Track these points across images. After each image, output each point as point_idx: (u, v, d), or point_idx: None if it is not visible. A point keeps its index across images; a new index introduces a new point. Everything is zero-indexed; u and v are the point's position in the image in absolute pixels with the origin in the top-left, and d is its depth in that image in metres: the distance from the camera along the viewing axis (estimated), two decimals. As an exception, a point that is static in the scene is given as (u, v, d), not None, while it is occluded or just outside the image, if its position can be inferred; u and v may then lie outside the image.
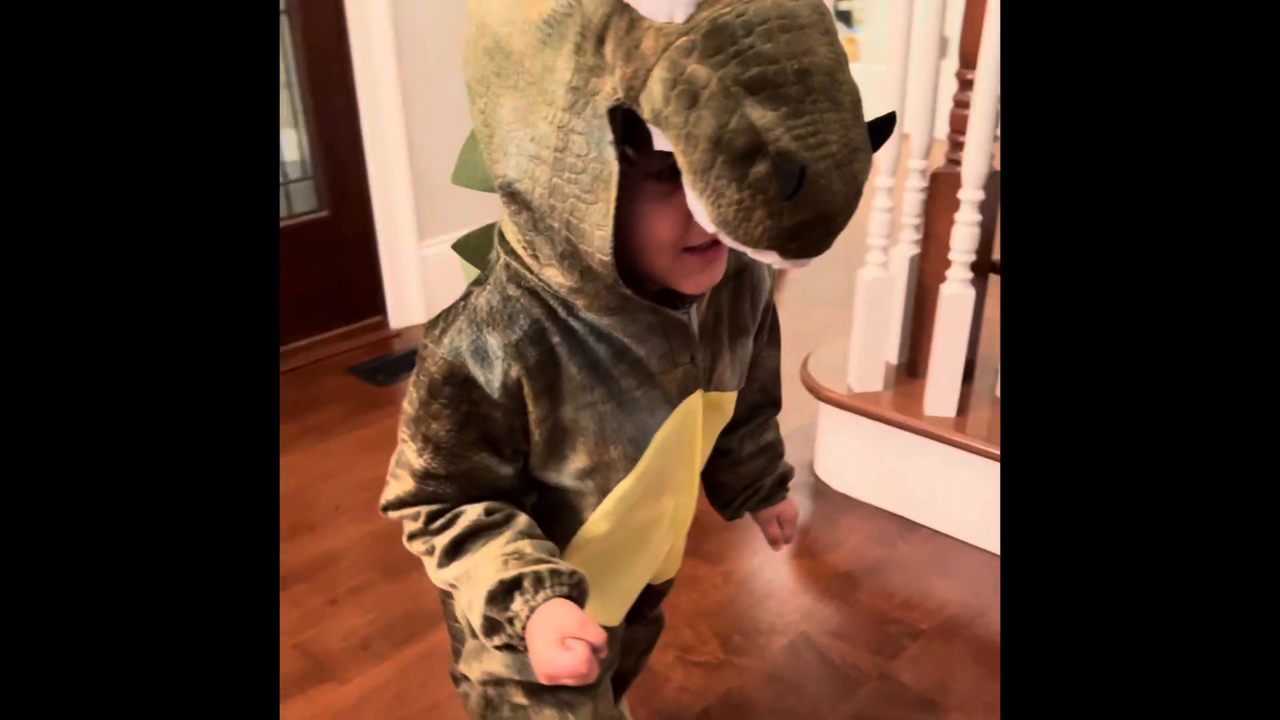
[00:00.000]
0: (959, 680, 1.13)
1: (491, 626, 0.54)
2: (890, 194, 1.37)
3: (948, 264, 1.32)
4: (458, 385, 0.53)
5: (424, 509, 0.57)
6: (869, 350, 1.43)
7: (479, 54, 0.48)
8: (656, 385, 0.56)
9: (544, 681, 0.52)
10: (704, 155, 0.41)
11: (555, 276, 0.51)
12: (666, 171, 0.45)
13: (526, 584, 0.53)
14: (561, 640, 0.51)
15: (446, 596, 0.69)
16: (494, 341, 0.53)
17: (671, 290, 0.53)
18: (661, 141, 0.43)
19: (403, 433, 0.57)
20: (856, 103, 0.43)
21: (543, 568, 0.54)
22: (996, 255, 1.41)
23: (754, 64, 0.40)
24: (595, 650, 0.50)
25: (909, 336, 1.48)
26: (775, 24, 0.40)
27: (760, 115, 0.40)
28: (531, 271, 0.53)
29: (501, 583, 0.53)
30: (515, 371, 0.53)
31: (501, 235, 0.55)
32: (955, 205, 1.29)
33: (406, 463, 0.57)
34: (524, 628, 0.53)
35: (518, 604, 0.53)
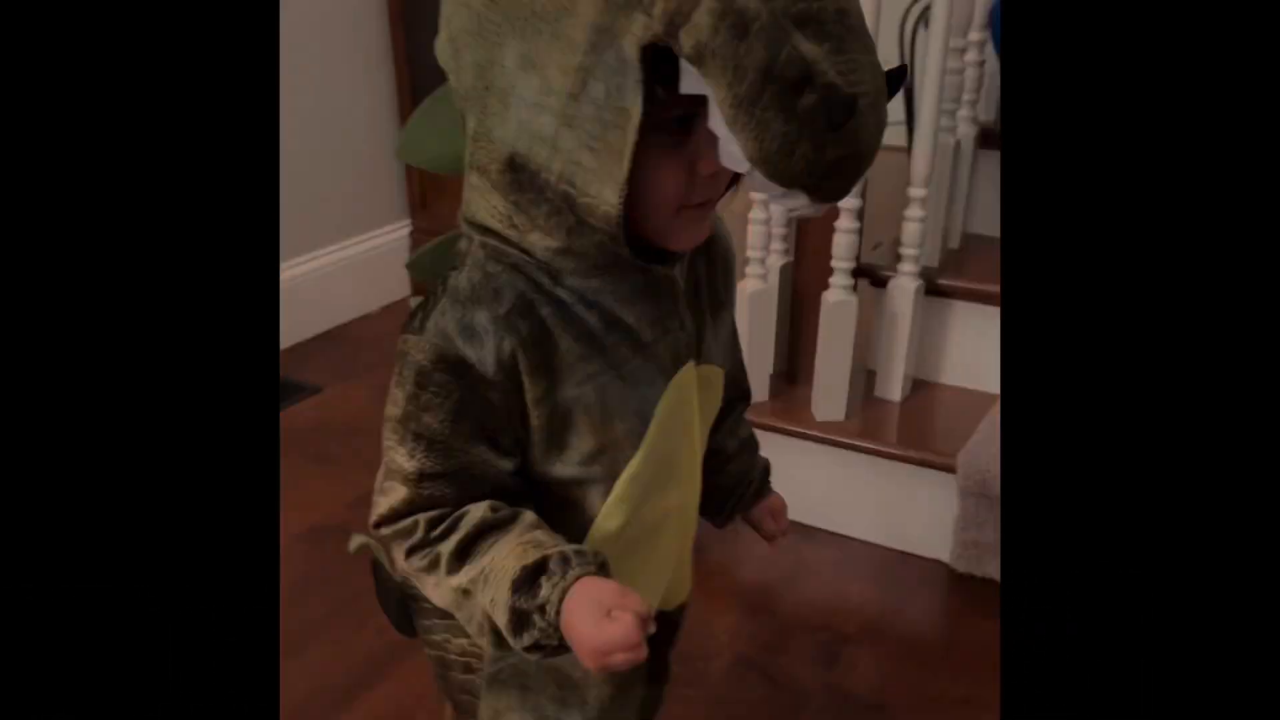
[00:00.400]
0: (899, 680, 1.13)
1: (520, 620, 0.49)
2: (765, 205, 1.39)
3: (827, 271, 1.35)
4: (449, 369, 0.49)
5: (421, 517, 0.52)
6: (756, 362, 1.42)
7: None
8: (651, 354, 0.53)
9: (594, 669, 0.47)
10: (753, 86, 0.40)
11: (540, 240, 0.48)
12: (674, 124, 0.44)
13: (553, 565, 0.48)
14: (606, 614, 0.46)
15: (431, 632, 0.63)
16: (482, 317, 0.49)
17: (654, 251, 0.51)
18: (690, 84, 0.41)
19: (389, 440, 0.52)
20: (871, 45, 0.44)
21: (567, 548, 0.50)
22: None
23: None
24: (643, 620, 0.45)
25: (785, 345, 1.50)
26: None
27: (809, 49, 0.40)
28: (510, 244, 0.50)
29: (524, 569, 0.48)
30: (509, 345, 0.49)
31: (471, 219, 0.52)
32: (834, 213, 1.32)
33: (398, 469, 0.52)
34: (557, 612, 0.47)
35: (546, 588, 0.48)
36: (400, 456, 0.51)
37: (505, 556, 0.50)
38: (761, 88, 0.40)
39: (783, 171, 0.42)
